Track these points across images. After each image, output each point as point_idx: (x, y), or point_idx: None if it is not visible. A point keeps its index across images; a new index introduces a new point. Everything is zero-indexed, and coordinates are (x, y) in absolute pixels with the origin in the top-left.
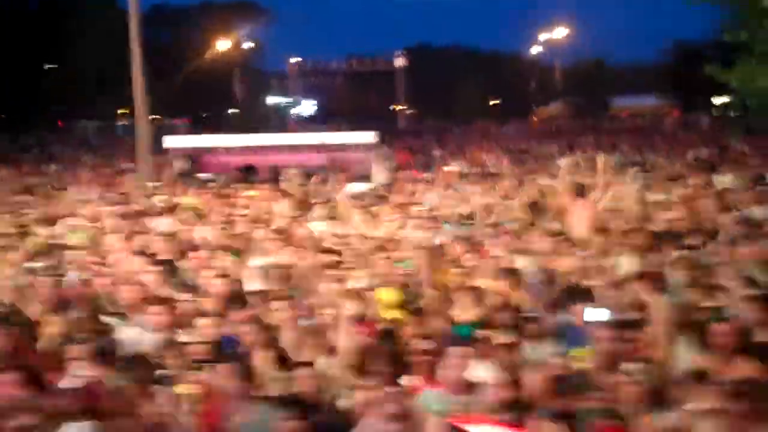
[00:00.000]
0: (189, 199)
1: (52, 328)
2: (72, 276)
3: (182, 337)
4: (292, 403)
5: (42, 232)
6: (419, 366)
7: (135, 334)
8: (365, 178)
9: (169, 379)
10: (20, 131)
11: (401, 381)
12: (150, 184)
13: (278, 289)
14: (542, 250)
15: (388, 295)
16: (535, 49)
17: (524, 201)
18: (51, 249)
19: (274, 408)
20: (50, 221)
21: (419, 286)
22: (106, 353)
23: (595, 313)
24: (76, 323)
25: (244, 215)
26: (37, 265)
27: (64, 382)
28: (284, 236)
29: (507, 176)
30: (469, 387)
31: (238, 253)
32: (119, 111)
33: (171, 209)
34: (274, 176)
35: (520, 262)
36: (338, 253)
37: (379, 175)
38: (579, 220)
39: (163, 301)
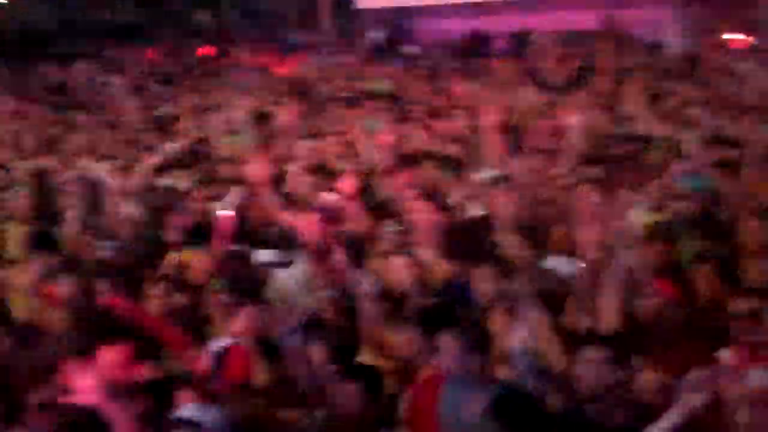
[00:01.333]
0: (383, 83)
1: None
2: (224, 197)
3: (373, 285)
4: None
5: (187, 132)
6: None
7: (295, 278)
8: (659, 46)
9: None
10: None
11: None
12: (333, 64)
13: (513, 216)
14: None
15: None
16: None
17: None
18: (196, 157)
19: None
20: (197, 118)
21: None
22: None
23: None
24: (222, 260)
25: (467, 108)
26: (170, 182)
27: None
28: (527, 137)
29: None
30: None
31: (456, 163)
32: None
33: (359, 100)
34: (516, 48)
35: None
36: (613, 159)
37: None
38: None
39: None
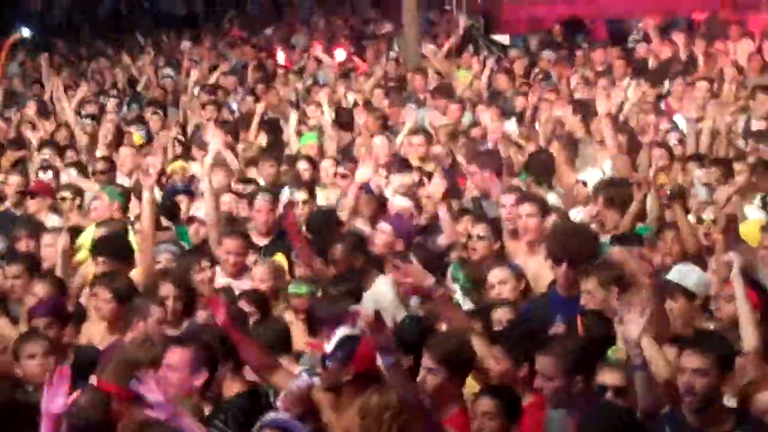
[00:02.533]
0: (466, 73)
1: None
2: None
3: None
4: None
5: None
6: None
7: (384, 288)
8: None
9: None
10: None
11: None
12: (421, 53)
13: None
14: None
15: None
16: None
17: None
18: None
19: None
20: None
21: None
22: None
23: None
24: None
25: (572, 102)
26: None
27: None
28: (638, 133)
29: None
30: None
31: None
32: None
33: (447, 91)
34: (618, 35)
35: None
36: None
37: None
38: None
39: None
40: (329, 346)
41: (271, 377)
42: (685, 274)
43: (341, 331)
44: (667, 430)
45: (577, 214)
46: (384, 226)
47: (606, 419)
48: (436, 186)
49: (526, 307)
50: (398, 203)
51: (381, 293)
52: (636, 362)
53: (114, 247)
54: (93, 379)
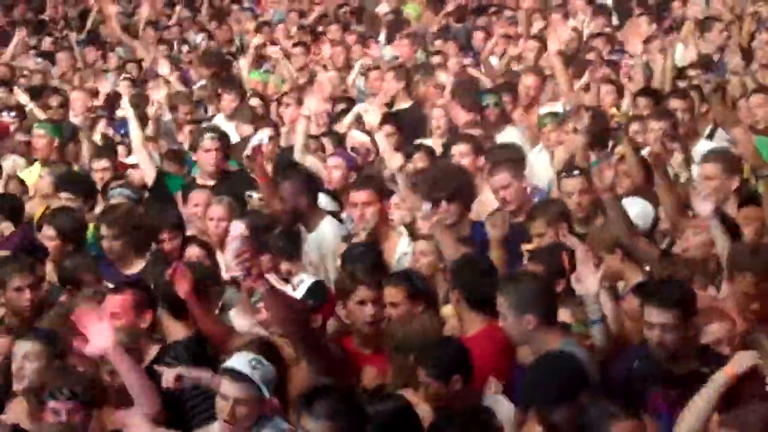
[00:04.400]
0: (415, 6)
1: None
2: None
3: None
4: None
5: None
6: None
7: (328, 230)
8: None
9: None
10: None
11: None
12: None
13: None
14: None
15: None
16: None
17: None
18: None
19: None
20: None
21: None
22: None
23: None
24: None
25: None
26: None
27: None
28: (589, 68)
29: None
30: None
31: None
32: None
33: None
34: None
35: None
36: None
37: None
38: None
39: None
40: (297, 293)
41: (229, 345)
42: (626, 206)
43: (306, 278)
44: (636, 363)
45: (538, 152)
46: (335, 160)
47: (552, 364)
48: (373, 114)
49: None
50: (357, 137)
51: (324, 234)
52: (594, 317)
53: (80, 183)
54: None
